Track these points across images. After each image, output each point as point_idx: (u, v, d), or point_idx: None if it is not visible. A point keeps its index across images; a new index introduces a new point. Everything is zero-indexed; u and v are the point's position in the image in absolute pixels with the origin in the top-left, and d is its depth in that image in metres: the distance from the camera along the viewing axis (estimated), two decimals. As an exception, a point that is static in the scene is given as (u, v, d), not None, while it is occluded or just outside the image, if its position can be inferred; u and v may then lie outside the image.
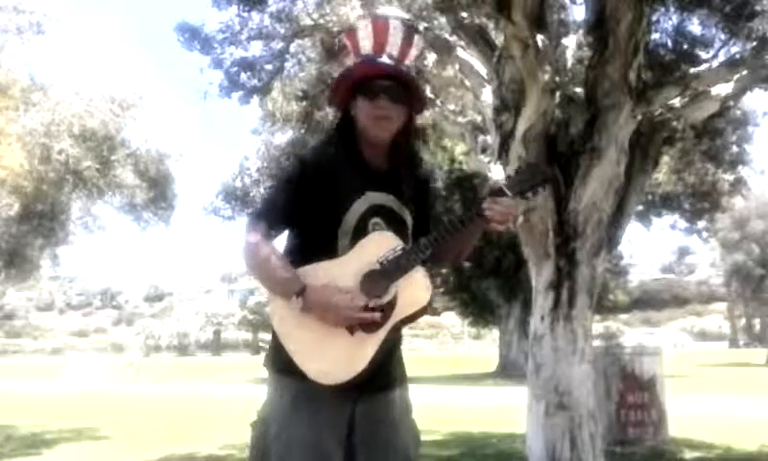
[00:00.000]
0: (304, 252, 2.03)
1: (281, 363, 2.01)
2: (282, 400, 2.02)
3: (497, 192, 2.04)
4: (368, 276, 1.96)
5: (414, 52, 2.13)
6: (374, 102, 2.05)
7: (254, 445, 2.06)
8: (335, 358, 1.94)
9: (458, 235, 2.03)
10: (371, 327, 1.95)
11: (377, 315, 1.95)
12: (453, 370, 26.92)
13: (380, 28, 2.11)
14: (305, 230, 2.05)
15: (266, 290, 2.07)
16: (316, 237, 2.02)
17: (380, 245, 1.99)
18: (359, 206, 2.04)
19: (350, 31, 2.17)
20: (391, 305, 1.97)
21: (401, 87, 2.08)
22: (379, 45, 2.08)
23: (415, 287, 1.99)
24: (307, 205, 2.02)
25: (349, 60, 2.17)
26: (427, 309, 2.05)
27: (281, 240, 2.13)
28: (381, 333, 1.97)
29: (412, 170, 2.21)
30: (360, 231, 2.02)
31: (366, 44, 2.10)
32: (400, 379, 2.13)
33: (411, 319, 2.02)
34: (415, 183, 2.20)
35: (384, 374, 2.03)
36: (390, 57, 2.08)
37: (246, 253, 2.04)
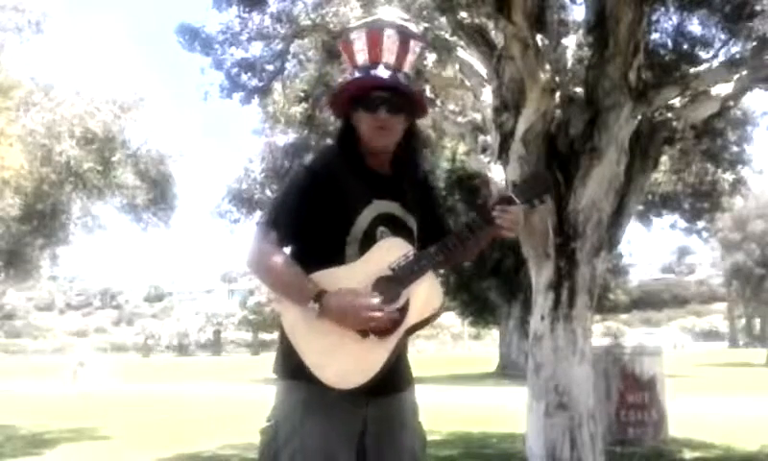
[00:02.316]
0: (311, 261, 2.02)
1: (291, 369, 2.01)
2: (293, 406, 2.02)
3: (506, 200, 2.06)
4: (379, 281, 1.97)
5: (411, 58, 2.12)
6: (374, 114, 2.05)
7: (264, 451, 2.05)
8: (348, 364, 1.95)
9: (468, 242, 2.06)
10: (383, 332, 1.96)
11: (396, 314, 1.95)
12: (453, 370, 26.89)
13: (374, 39, 2.10)
14: (312, 239, 2.05)
15: (277, 296, 2.06)
16: (323, 246, 2.03)
17: (391, 251, 2.00)
18: (367, 214, 2.05)
19: (346, 41, 2.14)
20: (403, 311, 1.98)
21: (400, 97, 2.08)
22: (375, 56, 2.08)
23: (427, 293, 2.01)
24: (317, 214, 2.02)
25: (348, 69, 2.17)
26: (439, 315, 2.07)
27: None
28: (393, 339, 1.97)
29: (414, 175, 2.21)
30: (368, 240, 2.03)
31: (362, 55, 2.09)
32: (408, 381, 2.15)
33: (422, 324, 2.03)
34: (418, 188, 2.21)
35: (394, 376, 2.04)
36: (387, 66, 2.07)
37: (257, 260, 2.04)
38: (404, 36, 2.15)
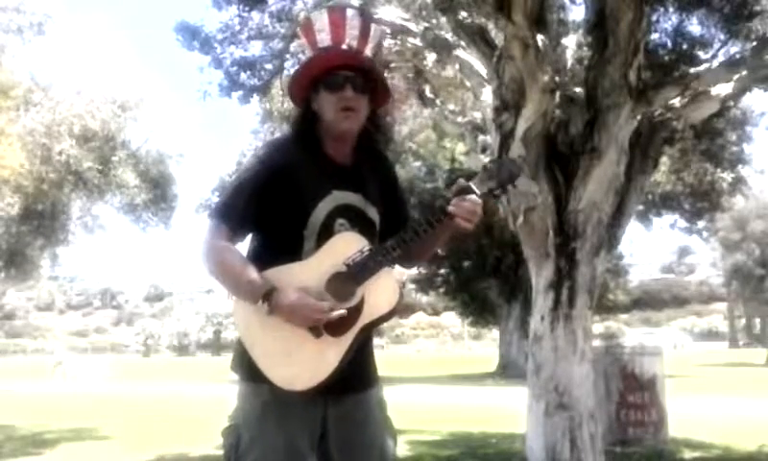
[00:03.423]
0: (268, 255, 1.97)
1: (250, 370, 1.97)
2: (253, 408, 1.99)
3: (464, 190, 1.97)
4: (334, 278, 1.92)
5: (371, 44, 2.05)
6: (339, 93, 1.98)
7: (228, 453, 2.01)
8: (301, 364, 1.91)
9: (426, 236, 1.97)
10: (337, 330, 1.91)
11: (344, 312, 1.90)
12: (453, 370, 26.91)
13: (337, 19, 2.04)
14: (269, 232, 1.99)
15: (231, 295, 1.99)
16: (280, 240, 1.97)
17: (347, 246, 1.94)
18: (324, 207, 1.98)
19: (307, 24, 2.06)
20: (357, 309, 1.92)
21: (364, 78, 2.01)
22: (337, 36, 2.01)
23: (382, 290, 1.95)
24: (272, 206, 1.96)
25: (308, 52, 2.08)
26: (396, 312, 2.00)
27: (243, 243, 2.07)
28: (348, 337, 1.93)
29: (377, 166, 2.14)
30: (326, 233, 1.97)
31: (324, 36, 2.02)
32: (373, 379, 2.10)
33: (379, 322, 1.99)
34: (381, 179, 2.13)
35: (355, 375, 1.99)
36: (349, 47, 2.01)
37: (208, 256, 1.98)
38: (365, 20, 2.10)
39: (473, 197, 1.96)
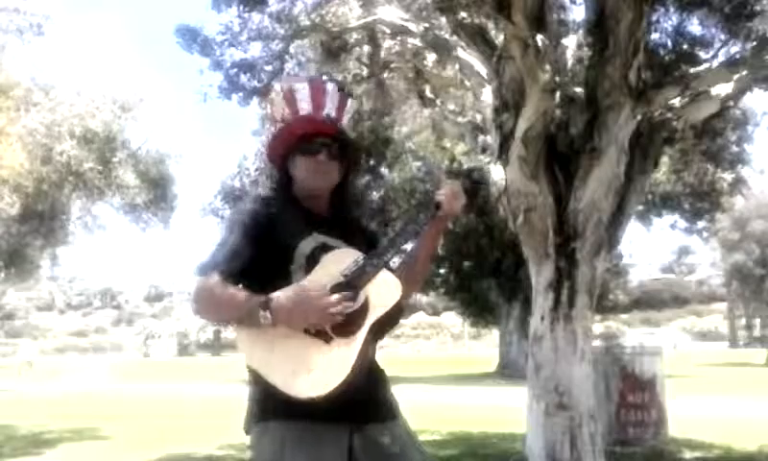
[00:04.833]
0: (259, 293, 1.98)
1: (262, 412, 1.96)
2: (274, 449, 1.95)
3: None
4: (333, 289, 1.92)
5: (346, 118, 2.20)
6: (314, 157, 2.10)
7: None
8: (317, 370, 1.89)
9: (417, 233, 2.09)
10: (346, 331, 1.91)
11: (350, 294, 1.91)
12: (453, 370, 26.93)
13: (317, 89, 2.18)
14: (257, 277, 1.99)
15: (233, 330, 1.98)
16: (269, 279, 1.97)
17: (340, 261, 1.97)
18: (308, 244, 2.02)
19: (289, 91, 2.18)
20: (363, 309, 1.94)
21: (340, 145, 2.14)
22: (317, 105, 2.15)
23: (384, 286, 1.98)
24: (259, 252, 1.99)
25: (285, 118, 2.19)
26: (403, 308, 2.03)
27: None
28: (359, 337, 1.93)
29: (353, 221, 2.25)
30: (312, 264, 1.99)
31: (304, 105, 2.15)
32: (395, 412, 2.10)
33: (388, 321, 2.00)
34: (356, 231, 2.20)
35: (376, 403, 2.02)
36: (328, 117, 2.14)
37: (201, 297, 1.97)
38: (343, 96, 2.22)
39: (453, 181, 2.16)
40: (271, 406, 1.93)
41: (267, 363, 1.93)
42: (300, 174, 2.12)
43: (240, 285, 1.97)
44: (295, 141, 2.13)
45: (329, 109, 2.16)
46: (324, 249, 2.02)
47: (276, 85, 2.27)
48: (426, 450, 2.15)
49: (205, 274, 1.97)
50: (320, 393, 1.86)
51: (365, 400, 1.96)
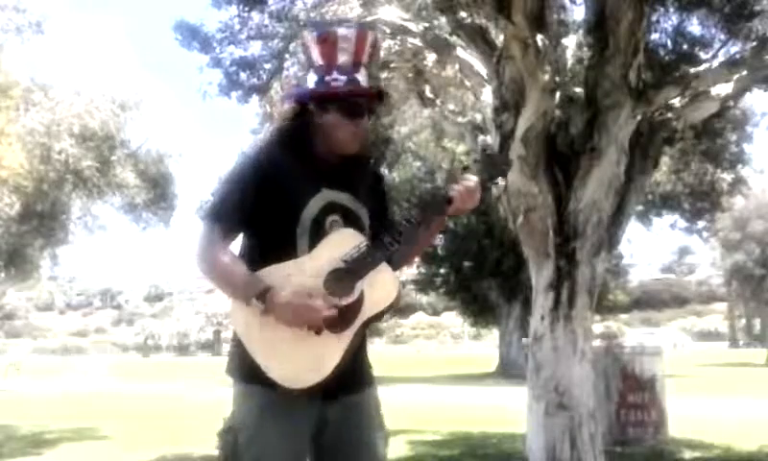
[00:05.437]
0: (261, 255, 1.97)
1: (247, 372, 1.97)
2: (250, 410, 1.99)
3: (454, 179, 2.05)
4: (332, 274, 1.91)
5: (376, 55, 2.16)
6: (355, 121, 2.04)
7: (224, 455, 2.03)
8: (303, 361, 1.90)
9: (421, 227, 2.01)
10: (337, 326, 1.91)
11: (335, 312, 1.90)
12: (453, 370, 26.90)
13: (362, 39, 2.07)
14: (261, 232, 2.00)
15: (226, 295, 2.00)
16: (273, 239, 1.97)
17: (343, 243, 1.94)
18: (315, 204, 1.99)
19: (329, 37, 2.06)
20: (358, 304, 1.92)
21: (373, 102, 2.12)
22: (358, 57, 2.05)
23: (382, 284, 1.95)
24: (263, 205, 1.96)
25: (321, 65, 2.07)
26: (396, 304, 2.02)
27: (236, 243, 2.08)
28: (349, 333, 1.93)
29: (364, 168, 2.18)
30: (317, 229, 1.97)
31: (344, 55, 2.04)
32: (368, 379, 2.11)
33: (379, 316, 1.99)
34: (368, 180, 2.17)
35: (351, 376, 2.00)
36: (366, 68, 2.07)
37: (201, 257, 1.98)
38: (375, 38, 2.15)
39: (472, 176, 2.04)
40: (250, 368, 1.94)
41: (256, 341, 1.94)
42: (338, 134, 2.04)
43: (242, 236, 2.01)
44: (333, 96, 2.04)
45: (365, 58, 2.06)
46: (331, 209, 2.00)
47: (312, 33, 2.13)
48: (383, 418, 2.16)
49: (209, 221, 2.00)
50: (295, 386, 1.89)
51: (342, 374, 1.95)
